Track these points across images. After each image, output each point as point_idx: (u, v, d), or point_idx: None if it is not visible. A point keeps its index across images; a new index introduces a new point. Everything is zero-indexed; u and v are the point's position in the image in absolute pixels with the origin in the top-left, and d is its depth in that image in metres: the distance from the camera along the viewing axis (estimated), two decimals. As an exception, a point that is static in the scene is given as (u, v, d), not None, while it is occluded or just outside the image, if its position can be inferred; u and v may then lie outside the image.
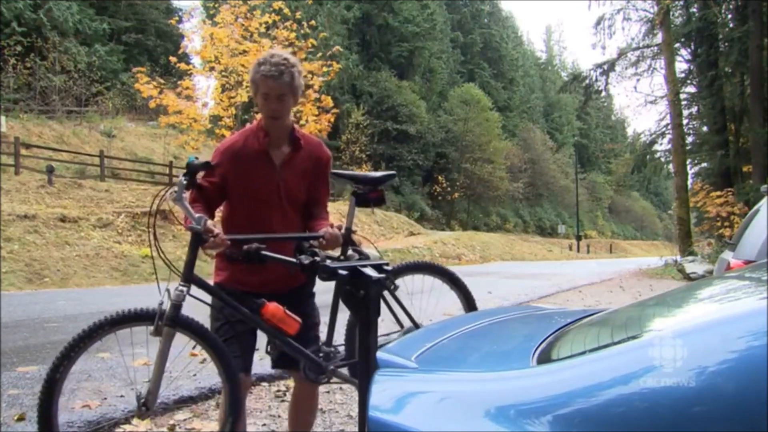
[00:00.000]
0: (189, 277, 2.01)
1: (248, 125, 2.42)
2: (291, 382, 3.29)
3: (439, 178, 40.88)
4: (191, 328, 2.00)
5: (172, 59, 16.80)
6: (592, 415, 0.85)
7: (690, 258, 15.56)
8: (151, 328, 1.96)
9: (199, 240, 1.97)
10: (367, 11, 39.24)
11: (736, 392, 0.78)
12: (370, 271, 1.35)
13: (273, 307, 2.00)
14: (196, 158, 2.05)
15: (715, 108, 18.72)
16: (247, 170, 2.21)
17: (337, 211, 14.93)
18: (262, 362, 2.71)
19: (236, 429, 2.06)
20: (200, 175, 2.13)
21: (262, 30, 16.88)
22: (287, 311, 2.02)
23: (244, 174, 2.20)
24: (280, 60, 2.12)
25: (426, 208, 39.24)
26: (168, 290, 1.97)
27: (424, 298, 2.70)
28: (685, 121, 20.75)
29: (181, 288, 1.98)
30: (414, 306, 2.62)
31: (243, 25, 16.59)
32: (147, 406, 2.00)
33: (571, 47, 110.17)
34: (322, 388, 2.76)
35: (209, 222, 1.99)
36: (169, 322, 1.95)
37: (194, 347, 2.07)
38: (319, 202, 2.36)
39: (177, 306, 1.97)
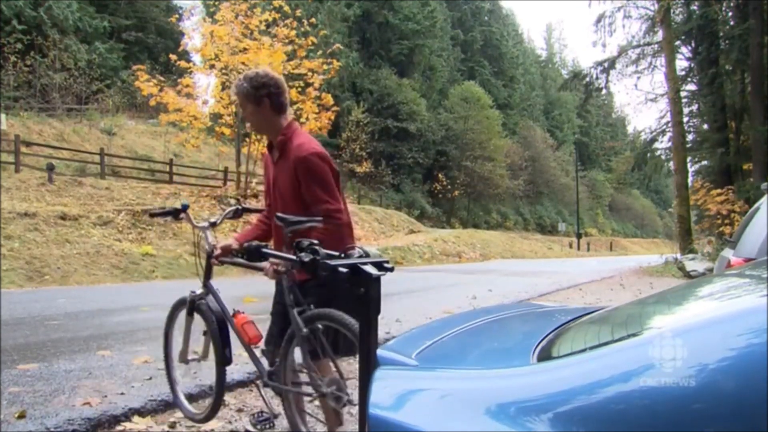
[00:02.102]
0: (205, 283, 2.67)
1: None
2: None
3: (440, 175, 40.88)
4: (202, 314, 2.67)
5: (173, 57, 16.82)
6: (592, 413, 0.85)
7: (690, 256, 15.55)
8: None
9: (210, 256, 2.64)
10: (368, 9, 39.21)
11: (736, 390, 0.78)
12: (370, 269, 1.36)
13: (240, 317, 2.50)
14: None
15: (715, 106, 18.70)
16: (265, 173, 2.61)
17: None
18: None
19: (217, 406, 2.65)
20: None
21: (263, 28, 16.88)
22: (247, 325, 2.45)
23: (265, 176, 2.61)
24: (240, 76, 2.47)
25: (426, 205, 39.26)
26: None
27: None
28: (685, 119, 20.72)
29: (195, 291, 2.70)
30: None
31: (243, 22, 16.59)
32: (185, 360, 2.78)
33: (571, 45, 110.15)
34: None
35: (218, 245, 2.56)
36: (188, 310, 2.75)
37: None
38: (309, 205, 2.35)
39: (192, 301, 2.70)
